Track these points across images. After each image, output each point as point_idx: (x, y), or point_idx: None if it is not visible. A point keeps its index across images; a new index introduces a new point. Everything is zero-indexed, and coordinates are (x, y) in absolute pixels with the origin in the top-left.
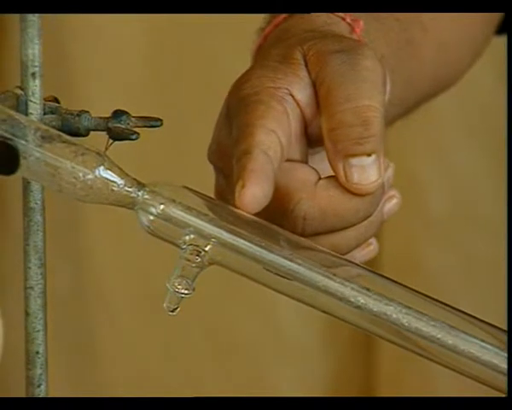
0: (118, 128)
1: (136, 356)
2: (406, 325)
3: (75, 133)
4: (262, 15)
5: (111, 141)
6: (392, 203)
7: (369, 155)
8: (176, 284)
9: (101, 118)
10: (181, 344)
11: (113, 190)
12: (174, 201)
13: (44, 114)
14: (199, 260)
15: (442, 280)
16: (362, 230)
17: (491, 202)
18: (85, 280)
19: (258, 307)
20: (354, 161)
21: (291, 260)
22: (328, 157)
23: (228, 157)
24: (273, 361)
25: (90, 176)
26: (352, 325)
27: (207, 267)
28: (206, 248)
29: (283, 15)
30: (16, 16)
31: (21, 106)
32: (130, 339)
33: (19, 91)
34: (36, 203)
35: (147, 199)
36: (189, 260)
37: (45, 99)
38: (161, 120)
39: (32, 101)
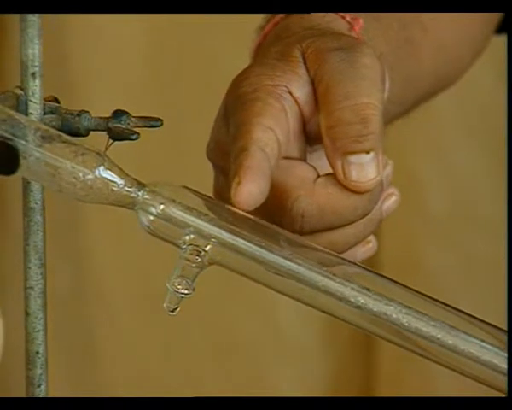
0: (118, 128)
1: (136, 356)
2: (406, 325)
3: (75, 133)
4: (262, 15)
5: (111, 141)
6: (390, 201)
7: (367, 152)
8: (176, 284)
9: (101, 118)
10: (181, 344)
11: (113, 190)
12: (174, 201)
13: (44, 114)
14: (199, 260)
15: (442, 279)
16: (360, 227)
17: (491, 201)
18: (85, 280)
19: (258, 307)
20: (353, 158)
21: (291, 260)
22: (326, 155)
23: (226, 155)
24: (273, 361)
25: (90, 176)
26: (351, 325)
27: (207, 267)
28: (206, 249)
29: (283, 14)
30: (16, 16)
31: (21, 106)
32: (130, 339)
33: (19, 91)
34: (36, 203)
35: (147, 199)
36: (189, 260)
37: (45, 99)
38: (161, 119)
39: (32, 101)
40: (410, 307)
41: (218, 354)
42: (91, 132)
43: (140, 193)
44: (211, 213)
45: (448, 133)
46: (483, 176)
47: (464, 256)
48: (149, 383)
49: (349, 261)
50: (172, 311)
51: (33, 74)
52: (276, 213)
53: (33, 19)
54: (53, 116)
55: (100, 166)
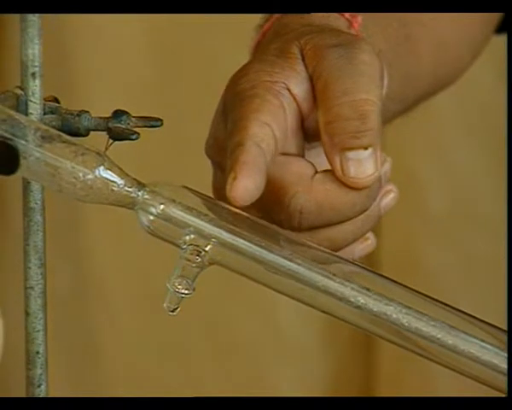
0: (118, 128)
1: (136, 356)
2: (406, 325)
3: (75, 133)
4: (261, 15)
5: (111, 141)
6: (389, 198)
7: (365, 148)
8: (176, 284)
9: (101, 118)
10: (181, 344)
11: (113, 190)
12: (174, 201)
13: (44, 114)
14: (199, 260)
15: (441, 278)
16: (359, 224)
17: (491, 200)
18: (85, 280)
19: (258, 307)
20: (351, 154)
21: (291, 260)
22: (324, 151)
23: (224, 151)
24: (273, 361)
25: (90, 176)
26: (352, 325)
27: (207, 267)
28: (207, 248)
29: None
30: (16, 16)
31: (21, 106)
32: (130, 339)
33: (19, 91)
34: (36, 203)
35: (147, 199)
36: (189, 260)
37: (45, 99)
38: (161, 120)
39: (32, 101)
40: (410, 307)
41: (218, 354)
42: (91, 132)
43: (140, 193)
44: (211, 213)
45: (448, 132)
46: (483, 175)
47: (464, 255)
48: (149, 383)
49: (349, 261)
50: (172, 311)
51: (33, 74)
52: (274, 210)
53: (33, 19)
54: (53, 116)
55: (100, 166)
